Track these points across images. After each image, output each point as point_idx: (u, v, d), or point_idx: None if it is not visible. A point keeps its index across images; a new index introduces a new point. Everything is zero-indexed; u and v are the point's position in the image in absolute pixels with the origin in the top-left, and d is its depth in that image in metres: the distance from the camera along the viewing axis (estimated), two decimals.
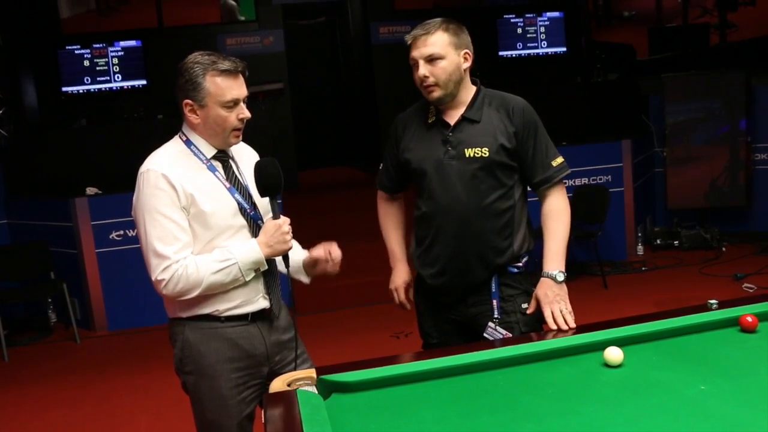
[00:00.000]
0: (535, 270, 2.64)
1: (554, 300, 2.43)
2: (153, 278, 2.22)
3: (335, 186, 8.68)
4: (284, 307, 2.49)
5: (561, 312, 2.39)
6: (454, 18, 2.58)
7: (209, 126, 2.26)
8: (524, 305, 2.56)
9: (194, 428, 2.44)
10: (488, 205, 2.53)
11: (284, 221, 2.27)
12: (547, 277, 2.47)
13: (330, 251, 2.41)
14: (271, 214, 2.40)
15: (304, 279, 2.51)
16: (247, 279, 2.27)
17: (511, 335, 2.51)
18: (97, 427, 4.38)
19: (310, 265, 2.47)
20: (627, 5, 9.38)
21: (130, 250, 5.94)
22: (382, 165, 2.85)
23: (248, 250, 2.25)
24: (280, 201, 2.37)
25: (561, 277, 2.46)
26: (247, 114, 2.27)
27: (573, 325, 2.36)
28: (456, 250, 2.56)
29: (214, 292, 2.25)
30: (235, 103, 2.24)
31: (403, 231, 2.89)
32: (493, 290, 2.57)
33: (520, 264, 2.61)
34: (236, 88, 2.23)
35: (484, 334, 2.55)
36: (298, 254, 2.49)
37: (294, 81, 8.78)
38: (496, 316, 2.56)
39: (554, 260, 2.49)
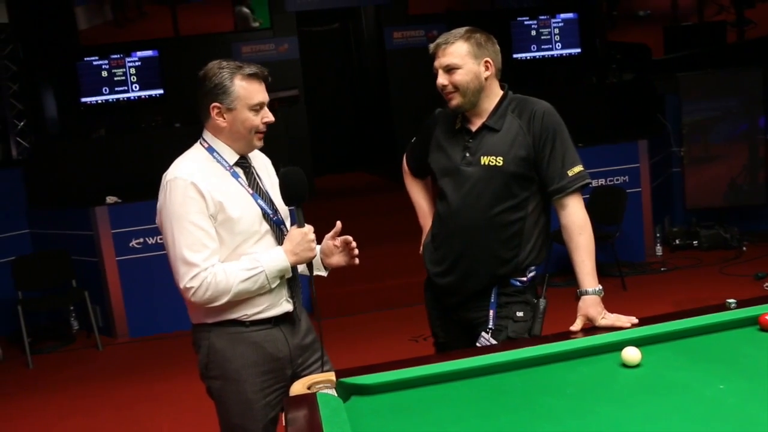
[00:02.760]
0: (541, 280, 2.63)
1: (604, 314, 2.41)
2: (181, 286, 2.23)
3: (351, 191, 8.71)
4: (304, 311, 2.52)
5: (617, 319, 2.37)
6: (472, 23, 2.59)
7: (235, 129, 2.30)
8: (519, 313, 2.56)
9: None
10: (496, 215, 2.53)
11: (309, 229, 2.31)
12: (592, 294, 2.43)
13: (345, 240, 2.42)
14: (290, 218, 2.44)
15: (323, 273, 2.53)
16: (273, 286, 2.30)
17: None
18: None
19: (326, 255, 2.48)
20: (642, 4, 9.35)
21: (151, 257, 6.00)
22: (413, 141, 2.88)
23: (275, 258, 2.28)
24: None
25: (601, 293, 2.45)
26: (271, 118, 2.32)
27: (633, 320, 2.34)
28: (461, 254, 2.58)
29: (242, 298, 2.28)
30: (261, 106, 2.29)
31: (429, 196, 2.91)
32: (492, 300, 2.58)
33: (525, 279, 2.59)
34: (262, 92, 2.30)
35: (477, 344, 2.56)
36: None
37: (309, 87, 8.82)
38: (490, 326, 2.56)
39: (588, 276, 2.47)
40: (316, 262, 2.47)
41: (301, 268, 2.49)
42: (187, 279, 2.21)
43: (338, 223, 2.43)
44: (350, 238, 2.43)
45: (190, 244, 2.21)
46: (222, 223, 2.26)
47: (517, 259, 2.56)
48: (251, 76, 2.27)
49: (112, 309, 6.16)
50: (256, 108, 2.28)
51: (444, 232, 2.64)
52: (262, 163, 2.49)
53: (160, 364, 5.50)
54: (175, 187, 2.24)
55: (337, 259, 2.47)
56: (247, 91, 2.26)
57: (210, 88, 2.26)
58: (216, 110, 2.28)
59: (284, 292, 2.37)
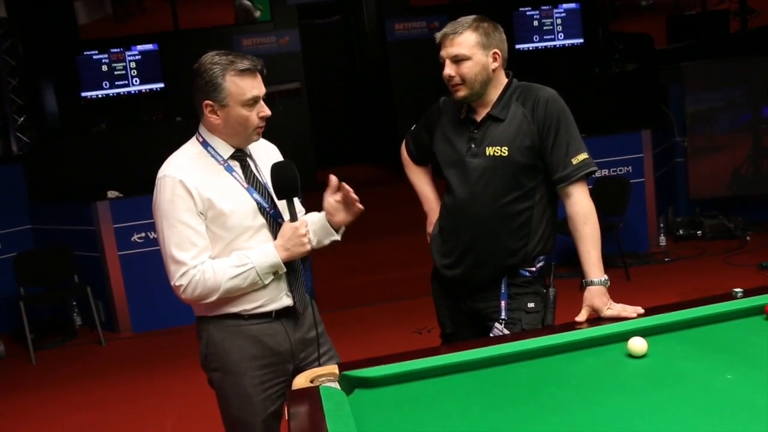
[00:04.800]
0: (548, 270, 2.61)
1: (610, 305, 2.38)
2: (172, 284, 2.25)
3: (354, 184, 8.64)
4: (311, 304, 2.49)
5: (623, 309, 2.34)
6: (474, 14, 2.55)
7: (230, 126, 2.26)
8: (530, 304, 2.55)
9: (219, 428, 2.45)
10: (504, 206, 2.50)
11: (301, 223, 2.27)
12: (598, 284, 2.40)
13: (344, 191, 2.38)
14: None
15: (336, 237, 2.47)
16: (266, 282, 2.27)
17: None
18: (123, 428, 4.42)
19: (331, 215, 2.43)
20: None
21: (152, 252, 5.97)
22: (413, 129, 2.85)
23: (265, 254, 2.25)
24: (300, 200, 2.40)
25: (607, 283, 2.41)
26: (267, 112, 2.27)
27: (639, 310, 2.31)
28: (469, 246, 2.56)
29: (233, 296, 2.27)
30: (255, 101, 2.23)
31: (431, 182, 2.88)
32: (503, 291, 2.56)
33: (534, 269, 2.57)
34: (256, 87, 2.23)
35: (490, 334, 2.55)
36: (318, 216, 2.48)
37: (310, 80, 8.79)
38: (502, 317, 2.54)
39: (594, 267, 2.43)
40: (326, 229, 2.44)
41: (315, 241, 2.45)
42: (176, 277, 2.22)
43: (332, 177, 2.38)
44: (346, 185, 2.37)
45: (179, 243, 2.21)
46: (213, 219, 2.24)
47: (526, 249, 2.53)
48: (244, 72, 2.20)
49: (115, 304, 6.16)
50: (250, 103, 2.22)
51: (451, 223, 2.61)
52: (265, 152, 2.43)
53: (163, 359, 5.49)
54: (164, 186, 2.23)
55: (343, 216, 2.43)
56: (239, 87, 2.20)
57: (201, 85, 2.21)
58: (209, 108, 2.24)
59: (283, 287, 2.34)
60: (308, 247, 2.28)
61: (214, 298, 2.23)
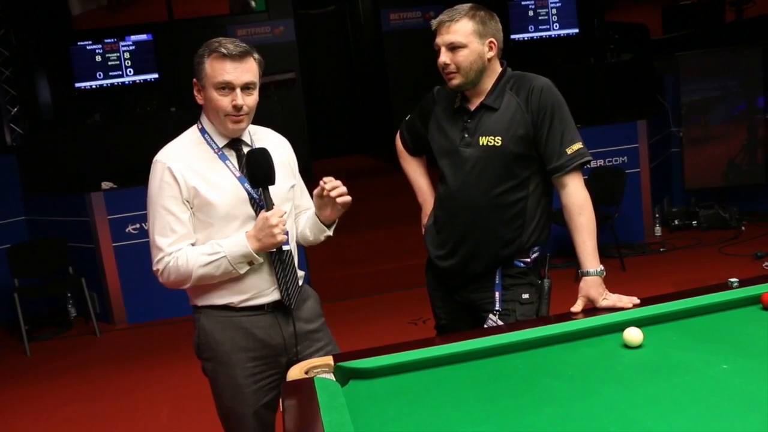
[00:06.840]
0: (543, 261, 2.60)
1: (606, 295, 2.38)
2: (153, 268, 2.29)
3: (349, 174, 8.64)
4: (312, 298, 2.48)
5: (618, 300, 2.34)
6: (481, 3, 2.54)
7: (210, 108, 2.27)
8: (525, 295, 2.54)
9: (215, 419, 2.45)
10: (497, 196, 2.49)
11: (272, 214, 2.19)
12: (594, 274, 2.39)
13: (323, 185, 2.30)
14: (290, 203, 2.39)
15: (328, 232, 2.45)
16: (241, 272, 2.24)
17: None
18: (118, 419, 4.42)
19: (321, 210, 2.39)
20: None
21: (147, 243, 5.95)
22: (407, 119, 2.84)
23: (236, 243, 2.22)
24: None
25: (603, 273, 2.41)
26: (239, 101, 2.21)
27: (635, 300, 2.31)
28: (463, 237, 2.55)
29: (209, 283, 2.27)
30: (229, 87, 2.21)
31: (426, 173, 2.87)
32: (497, 282, 2.55)
33: (528, 260, 2.56)
34: (232, 72, 2.20)
35: (485, 326, 2.54)
36: (310, 213, 2.46)
37: (305, 70, 8.77)
38: (497, 308, 2.54)
39: (590, 257, 2.42)
40: (317, 223, 2.42)
41: (312, 237, 2.46)
42: (154, 262, 2.28)
43: (321, 182, 2.31)
44: (323, 180, 2.29)
45: (160, 229, 2.25)
46: (199, 208, 2.25)
47: (520, 239, 2.52)
48: (224, 56, 2.19)
49: (110, 295, 6.15)
50: (221, 87, 2.20)
51: (445, 214, 2.60)
52: (272, 144, 2.38)
53: (158, 350, 5.49)
54: (155, 171, 2.27)
55: (330, 211, 2.38)
56: (214, 69, 2.20)
57: (194, 64, 2.26)
58: (195, 86, 2.29)
59: (273, 280, 2.32)
60: (279, 238, 2.20)
61: (188, 285, 2.26)
